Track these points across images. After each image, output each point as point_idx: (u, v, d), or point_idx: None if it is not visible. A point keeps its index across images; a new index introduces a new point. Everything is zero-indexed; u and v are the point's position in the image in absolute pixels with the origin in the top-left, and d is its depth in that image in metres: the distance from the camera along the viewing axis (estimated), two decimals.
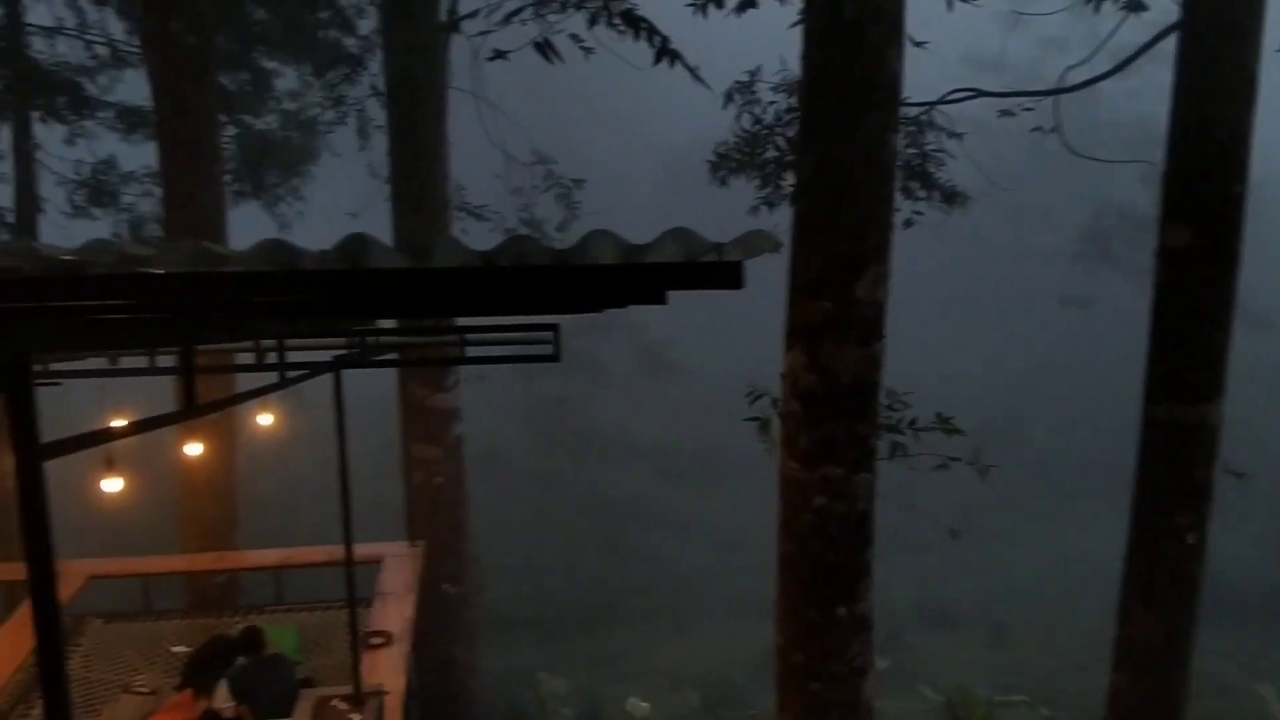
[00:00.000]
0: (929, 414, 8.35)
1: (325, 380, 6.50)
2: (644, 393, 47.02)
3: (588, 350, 42.07)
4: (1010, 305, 55.65)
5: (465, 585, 13.08)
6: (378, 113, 14.86)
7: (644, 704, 12.74)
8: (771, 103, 10.67)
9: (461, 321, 7.98)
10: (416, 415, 12.69)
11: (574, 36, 8.83)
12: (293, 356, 6.93)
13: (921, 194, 10.91)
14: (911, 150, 10.70)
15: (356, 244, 1.97)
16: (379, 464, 17.35)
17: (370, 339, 6.98)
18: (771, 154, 10.63)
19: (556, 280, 1.96)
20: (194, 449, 9.46)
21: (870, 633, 6.70)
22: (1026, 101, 10.94)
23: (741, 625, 21.99)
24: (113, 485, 7.33)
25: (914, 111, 10.45)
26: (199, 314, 3.02)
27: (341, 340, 7.22)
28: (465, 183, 14.07)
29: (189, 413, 3.59)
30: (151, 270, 1.93)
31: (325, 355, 6.70)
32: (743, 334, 41.44)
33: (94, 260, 1.98)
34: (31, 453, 2.37)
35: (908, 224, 10.62)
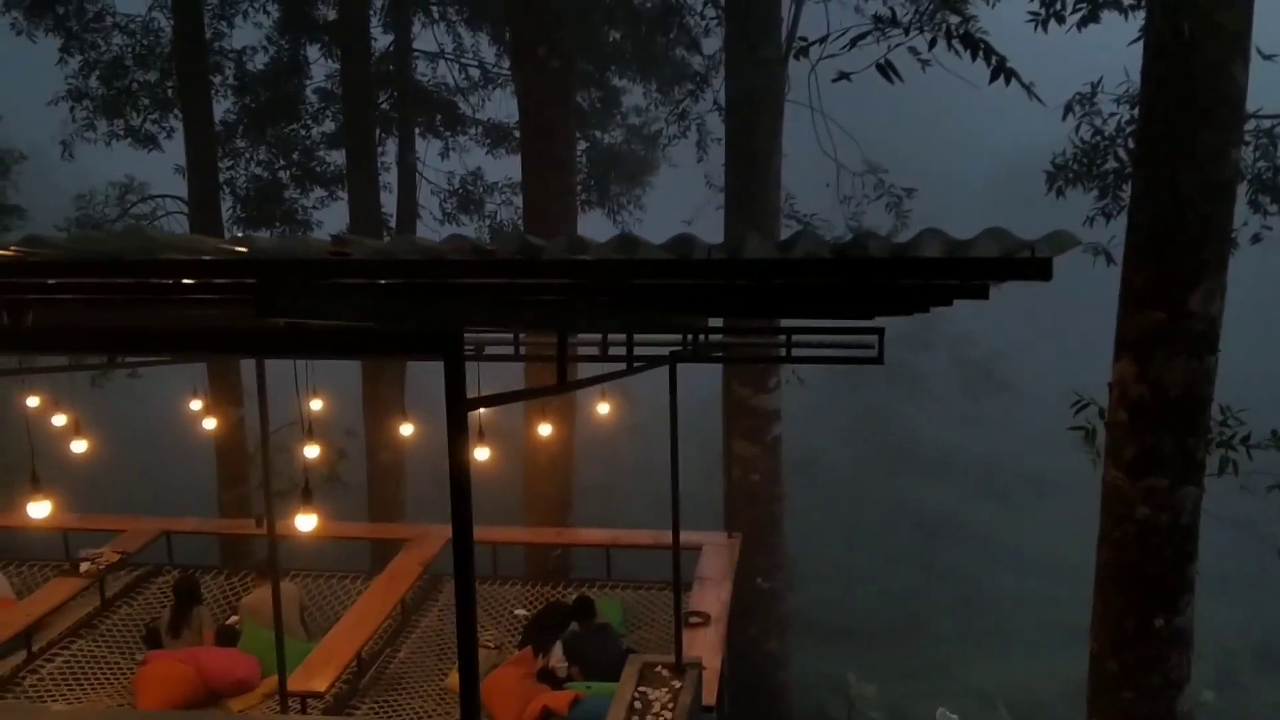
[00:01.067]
0: (1265, 432, 7.94)
1: (652, 379, 7.04)
2: (967, 408, 45.73)
3: (910, 363, 41.48)
4: None
5: (777, 581, 13.53)
6: (716, 126, 15.62)
7: (954, 715, 12.65)
8: (1113, 114, 10.43)
9: (787, 323, 8.39)
10: (739, 414, 13.28)
11: (913, 50, 9.04)
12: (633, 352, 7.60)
13: (1272, 209, 10.29)
14: (1262, 163, 10.12)
15: (738, 239, 2.43)
16: (698, 460, 18.13)
17: (702, 337, 7.53)
18: (1111, 165, 10.38)
19: (891, 270, 2.31)
20: (545, 429, 10.48)
21: (1189, 648, 6.54)
22: None
23: (1059, 653, 21.15)
24: (481, 454, 8.34)
25: (1267, 123, 9.89)
26: (590, 297, 3.60)
27: (676, 337, 7.84)
28: (796, 191, 14.54)
29: (565, 387, 4.23)
30: (580, 257, 2.46)
31: (661, 351, 7.30)
32: (1074, 350, 39.49)
33: (545, 248, 2.54)
34: (460, 405, 3.00)
35: (1256, 239, 10.07)
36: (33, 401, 10.94)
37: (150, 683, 8.86)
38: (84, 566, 10.48)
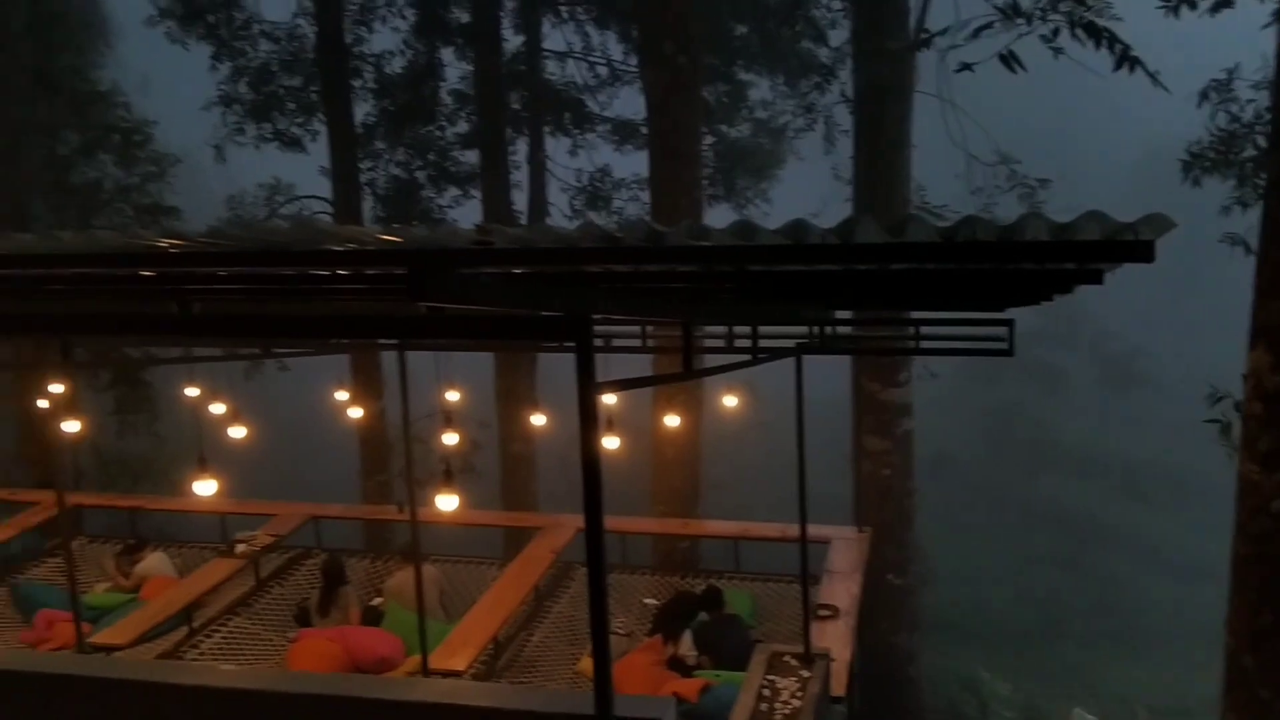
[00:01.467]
0: None
1: (779, 377, 7.05)
2: (1107, 405, 44.27)
3: (1049, 360, 40.40)
4: None
5: (909, 577, 13.43)
6: (844, 118, 15.57)
7: (1090, 717, 12.35)
8: (1250, 101, 10.07)
9: (916, 315, 8.36)
10: (868, 408, 13.23)
11: (1044, 38, 8.90)
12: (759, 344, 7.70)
13: None
14: None
15: (850, 224, 2.53)
16: (828, 455, 18.03)
17: (829, 329, 7.57)
18: (1249, 153, 10.03)
19: (998, 254, 2.36)
20: (671, 420, 10.62)
21: None
22: None
23: (1201, 655, 20.39)
24: (611, 443, 8.54)
25: None
26: (713, 285, 3.73)
27: (803, 330, 7.89)
28: (926, 184, 14.37)
29: (691, 374, 4.39)
30: (700, 242, 2.57)
31: (788, 344, 7.36)
32: (1217, 343, 37.95)
33: (668, 233, 2.67)
34: (590, 388, 3.15)
35: None
36: (193, 392, 11.64)
37: (301, 658, 9.31)
38: (239, 548, 11.07)
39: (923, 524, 13.85)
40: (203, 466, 6.18)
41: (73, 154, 19.44)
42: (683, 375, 4.32)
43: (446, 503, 5.57)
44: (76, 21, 19.19)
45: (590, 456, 3.30)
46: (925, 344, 8.31)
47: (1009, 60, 7.39)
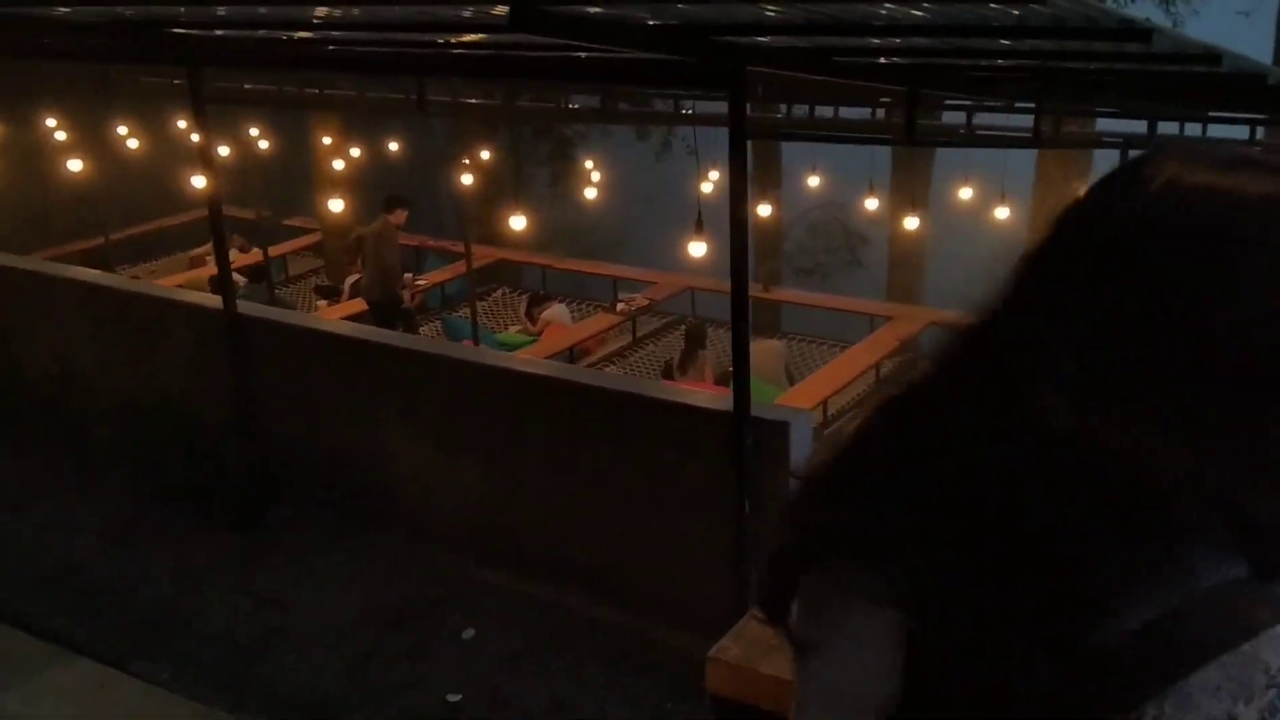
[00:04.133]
0: None
1: None
2: None
3: None
4: None
5: None
6: None
7: None
8: None
9: None
10: None
11: None
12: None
13: None
14: None
15: None
16: None
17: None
18: None
19: None
20: (965, 192, 10.14)
21: None
22: None
23: None
24: (911, 224, 8.73)
25: None
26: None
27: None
28: None
29: (909, 141, 4.68)
30: None
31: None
32: None
33: None
34: (741, 136, 3.63)
35: None
36: (589, 164, 13.12)
37: None
38: (619, 307, 12.55)
39: None
40: (516, 205, 7.27)
41: None
42: (898, 140, 4.63)
43: (697, 249, 6.30)
44: None
45: (739, 209, 3.83)
46: None
47: None
